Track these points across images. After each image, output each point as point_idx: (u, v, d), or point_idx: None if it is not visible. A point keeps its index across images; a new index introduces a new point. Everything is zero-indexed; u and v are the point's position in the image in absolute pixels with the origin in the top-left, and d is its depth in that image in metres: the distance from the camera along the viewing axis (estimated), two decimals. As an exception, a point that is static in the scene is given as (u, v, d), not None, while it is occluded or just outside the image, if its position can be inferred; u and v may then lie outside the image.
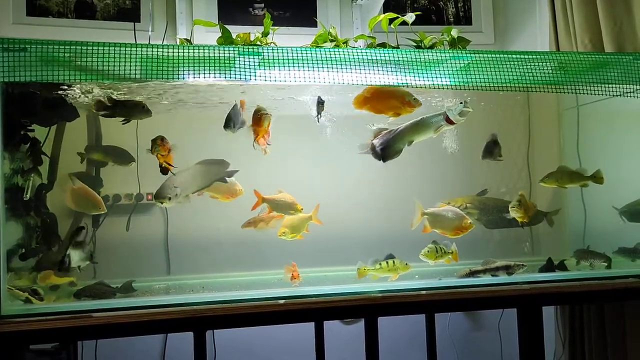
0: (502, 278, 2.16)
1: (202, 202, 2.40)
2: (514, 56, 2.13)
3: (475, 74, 2.08)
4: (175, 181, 2.06)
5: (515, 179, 2.83)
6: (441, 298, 2.04)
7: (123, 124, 2.11)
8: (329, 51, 1.98)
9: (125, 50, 1.82)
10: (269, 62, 1.97)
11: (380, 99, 2.10)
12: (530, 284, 2.12)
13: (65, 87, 2.08)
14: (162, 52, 1.89)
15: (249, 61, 1.92)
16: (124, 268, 2.35)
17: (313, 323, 2.39)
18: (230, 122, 2.08)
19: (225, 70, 1.96)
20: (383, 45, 2.13)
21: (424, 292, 2.04)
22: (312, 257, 2.37)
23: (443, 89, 2.17)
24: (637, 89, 2.22)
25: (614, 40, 2.45)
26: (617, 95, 2.19)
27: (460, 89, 2.18)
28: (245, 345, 2.90)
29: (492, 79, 2.06)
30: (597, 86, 2.13)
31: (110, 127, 2.43)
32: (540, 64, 2.20)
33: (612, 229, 2.56)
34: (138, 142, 2.27)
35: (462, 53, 2.12)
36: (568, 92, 2.13)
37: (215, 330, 2.77)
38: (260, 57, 1.94)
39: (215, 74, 1.97)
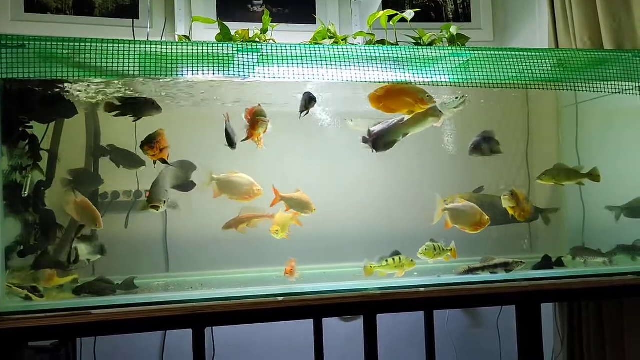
0: (501, 275, 2.16)
1: (200, 199, 2.41)
2: (513, 53, 2.13)
3: (474, 71, 2.07)
4: (164, 184, 2.06)
5: (514, 177, 2.83)
6: (440, 295, 2.04)
7: (134, 121, 2.11)
8: (328, 48, 1.98)
9: (124, 47, 1.82)
10: (267, 59, 1.96)
11: (393, 97, 2.08)
12: (529, 281, 2.12)
13: (64, 84, 2.08)
14: (161, 49, 1.88)
15: (248, 58, 1.92)
16: (122, 265, 2.35)
17: (312, 320, 2.39)
18: (232, 139, 2.09)
19: (224, 67, 1.96)
20: (382, 42, 2.13)
21: (422, 289, 2.04)
22: (311, 254, 2.37)
23: (442, 86, 2.17)
24: (636, 86, 2.22)
25: (613, 38, 2.45)
26: (616, 93, 2.19)
27: (460, 86, 2.18)
28: (244, 343, 2.90)
29: (492, 76, 2.06)
30: (596, 83, 2.13)
31: (108, 123, 2.43)
32: (540, 61, 2.19)
33: (611, 226, 2.56)
34: (137, 139, 2.26)
35: (461, 50, 2.12)
36: (567, 90, 2.13)
37: (214, 327, 2.77)
38: (259, 54, 1.94)
39: (214, 70, 1.97)
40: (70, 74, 1.84)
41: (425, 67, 2.11)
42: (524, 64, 2.12)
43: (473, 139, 2.44)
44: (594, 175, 2.42)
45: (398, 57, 2.07)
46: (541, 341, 2.12)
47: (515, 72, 2.09)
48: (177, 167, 2.24)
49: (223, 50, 1.92)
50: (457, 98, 2.15)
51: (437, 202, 2.26)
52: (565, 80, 2.18)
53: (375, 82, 2.09)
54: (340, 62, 1.98)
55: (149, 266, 2.59)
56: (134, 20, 2.82)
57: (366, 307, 1.99)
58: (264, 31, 2.06)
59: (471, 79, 2.08)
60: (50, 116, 2.20)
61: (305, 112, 2.05)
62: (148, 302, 1.89)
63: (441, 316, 3.05)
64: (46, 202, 2.23)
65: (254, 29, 2.06)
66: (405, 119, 2.15)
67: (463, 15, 3.31)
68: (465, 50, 2.11)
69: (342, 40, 2.12)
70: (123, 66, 1.81)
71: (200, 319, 1.86)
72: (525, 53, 2.16)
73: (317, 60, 1.93)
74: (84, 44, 1.80)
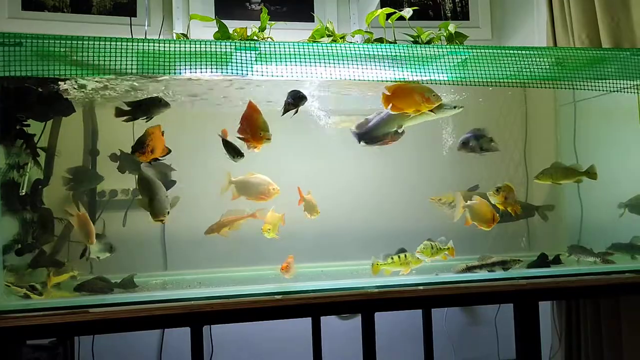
0: (499, 273, 2.17)
1: (198, 197, 2.40)
2: (511, 52, 2.13)
3: (472, 70, 2.07)
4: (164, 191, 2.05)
5: (512, 175, 2.83)
6: (438, 293, 2.05)
7: (146, 122, 2.09)
8: (326, 46, 1.98)
9: (122, 45, 1.81)
10: (265, 57, 1.96)
11: (401, 96, 2.08)
12: (527, 279, 2.13)
13: (61, 82, 2.08)
14: (159, 47, 1.87)
15: (246, 56, 1.92)
16: (121, 263, 2.35)
17: (310, 318, 2.39)
18: (236, 148, 2.08)
19: (222, 65, 1.96)
20: (380, 40, 2.13)
21: (421, 287, 2.04)
22: (309, 253, 2.37)
23: (440, 84, 2.17)
24: (634, 85, 2.22)
25: (611, 36, 2.46)
26: (614, 91, 2.19)
27: (458, 85, 2.18)
28: (242, 341, 2.90)
29: (490, 74, 2.06)
30: (594, 82, 2.13)
31: (106, 122, 2.43)
32: (538, 59, 2.19)
33: (609, 224, 2.57)
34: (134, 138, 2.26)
35: (459, 48, 2.11)
36: (565, 88, 2.13)
37: (212, 326, 2.77)
38: (257, 52, 1.94)
39: (212, 68, 1.97)
40: (68, 72, 1.83)
41: (423, 65, 2.11)
42: (522, 63, 2.12)
43: (463, 135, 2.45)
44: (591, 173, 2.42)
45: (396, 55, 2.06)
46: (539, 338, 2.12)
47: (514, 71, 2.09)
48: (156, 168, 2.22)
49: (221, 48, 1.91)
50: (455, 107, 2.16)
51: (458, 200, 2.26)
52: (564, 78, 2.18)
53: (373, 80, 2.09)
54: (338, 60, 1.98)
55: (147, 264, 2.58)
56: (132, 18, 2.82)
57: (364, 305, 1.99)
58: (262, 29, 2.05)
59: (469, 77, 2.08)
60: (48, 114, 2.19)
61: (295, 111, 2.04)
62: (146, 300, 1.89)
63: (439, 314, 3.06)
64: (44, 200, 2.23)
65: (252, 27, 2.05)
66: (390, 114, 2.16)
67: (461, 13, 3.31)
68: (463, 48, 2.11)
69: (340, 38, 2.12)
70: (120, 64, 1.80)
71: (199, 317, 1.86)
72: (524, 51, 2.16)
73: (315, 59, 1.93)
74: (81, 42, 1.79)
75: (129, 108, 2.08)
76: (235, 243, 2.38)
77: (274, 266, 2.20)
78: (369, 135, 2.30)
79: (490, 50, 2.11)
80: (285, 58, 1.92)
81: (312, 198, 2.34)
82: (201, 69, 1.97)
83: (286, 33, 2.18)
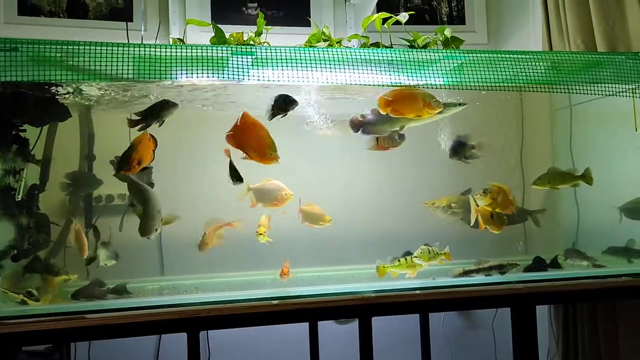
0: (496, 277, 2.17)
1: (194, 202, 2.40)
2: (507, 56, 2.13)
3: (468, 74, 2.08)
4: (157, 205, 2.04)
5: (508, 179, 2.83)
6: (435, 298, 2.05)
7: (159, 126, 2.07)
8: (323, 51, 1.98)
9: (118, 50, 1.81)
10: (262, 62, 1.96)
11: (402, 101, 2.08)
12: (524, 283, 2.13)
13: (57, 87, 2.07)
14: (155, 51, 1.88)
15: (242, 61, 1.92)
16: (117, 268, 2.34)
17: (307, 323, 2.39)
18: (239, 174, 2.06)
19: (218, 70, 1.96)
20: (376, 44, 2.13)
21: (418, 291, 2.04)
22: (305, 257, 2.37)
23: (436, 88, 2.18)
24: (629, 89, 2.23)
25: (606, 40, 2.47)
26: (609, 95, 2.20)
27: (454, 89, 2.18)
28: (239, 345, 2.89)
29: (486, 78, 2.06)
30: (590, 86, 2.14)
31: (102, 126, 2.43)
32: (534, 63, 2.20)
33: (606, 227, 2.57)
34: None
35: (455, 53, 2.12)
36: (561, 92, 2.13)
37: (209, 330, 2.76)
38: (253, 57, 1.94)
39: (208, 73, 1.96)
40: (64, 77, 1.83)
41: (419, 69, 2.12)
42: (518, 67, 2.13)
43: (451, 143, 2.45)
44: (587, 177, 2.43)
45: (392, 60, 2.07)
46: (536, 343, 2.12)
47: (510, 75, 2.10)
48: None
49: (217, 53, 1.92)
50: (459, 104, 2.17)
51: (472, 204, 2.26)
52: (559, 82, 2.19)
53: (369, 84, 2.09)
54: (334, 64, 1.98)
55: (144, 269, 2.57)
56: (128, 23, 2.82)
57: (361, 310, 1.99)
58: (258, 34, 2.05)
59: (465, 82, 2.09)
60: (44, 119, 2.19)
61: (283, 115, 2.03)
62: (143, 305, 1.88)
63: (436, 318, 3.06)
64: (40, 206, 2.23)
65: (248, 31, 2.05)
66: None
67: (457, 18, 3.32)
68: (459, 52, 2.12)
69: (337, 42, 2.12)
70: (117, 69, 1.80)
71: (195, 322, 1.85)
72: (520, 55, 2.17)
73: (311, 63, 1.94)
74: (77, 47, 1.79)
75: (139, 117, 2.06)
76: (231, 248, 2.38)
77: (271, 271, 2.19)
78: (366, 128, 2.28)
79: (487, 55, 2.11)
80: (282, 62, 1.92)
81: (316, 207, 2.34)
82: (198, 74, 1.97)
83: (283, 37, 2.18)
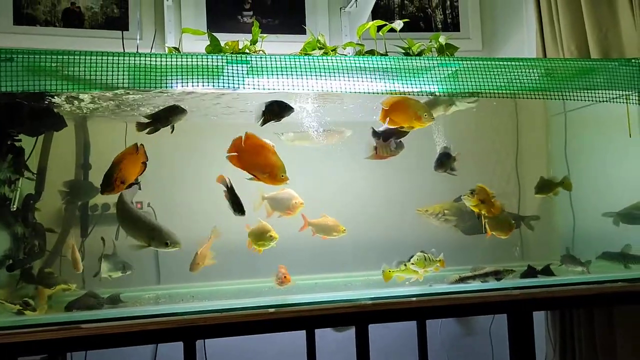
0: (492, 284, 2.17)
1: (191, 210, 2.40)
2: (501, 63, 2.14)
3: (463, 81, 2.09)
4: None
5: (504, 185, 2.84)
6: (432, 304, 2.04)
7: (171, 132, 2.08)
8: (318, 59, 1.99)
9: (114, 59, 1.81)
10: (257, 70, 1.97)
11: (396, 110, 2.09)
12: (520, 289, 2.13)
13: (53, 97, 2.07)
14: (151, 60, 1.88)
15: (238, 69, 1.92)
16: (113, 278, 2.33)
17: (304, 331, 2.38)
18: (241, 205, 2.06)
19: (213, 78, 1.96)
20: (372, 52, 2.14)
21: (414, 298, 2.04)
22: (303, 265, 2.36)
23: (432, 95, 2.18)
24: (623, 95, 2.24)
25: (600, 47, 2.48)
26: (603, 101, 2.21)
27: (449, 96, 2.19)
28: (235, 353, 2.88)
29: (481, 85, 2.07)
30: (584, 92, 2.15)
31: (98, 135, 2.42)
32: (528, 70, 2.21)
33: (602, 233, 2.58)
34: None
35: (450, 60, 2.13)
36: (555, 99, 2.14)
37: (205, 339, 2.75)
38: (248, 65, 1.94)
39: (204, 82, 1.97)
40: (60, 87, 1.83)
41: (414, 77, 2.12)
42: (512, 74, 2.14)
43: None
44: (565, 184, 2.47)
45: (387, 68, 2.08)
46: (533, 348, 2.12)
47: (504, 82, 2.10)
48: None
49: (213, 62, 1.92)
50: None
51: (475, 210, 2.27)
52: (553, 89, 2.20)
53: (364, 92, 2.09)
54: (330, 72, 1.99)
55: (140, 278, 2.57)
56: (124, 32, 2.82)
57: (358, 317, 1.98)
58: (253, 42, 2.06)
59: (460, 89, 2.10)
60: (39, 129, 2.19)
61: (276, 121, 2.03)
62: (139, 315, 1.87)
63: (434, 324, 3.05)
64: (36, 216, 2.22)
65: (243, 40, 2.06)
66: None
67: (452, 25, 3.34)
68: (454, 59, 2.13)
69: (332, 50, 2.13)
70: (112, 78, 1.80)
71: (192, 331, 1.85)
72: (514, 62, 2.18)
73: (306, 71, 1.94)
74: (73, 57, 1.79)
75: (148, 120, 2.06)
76: (227, 256, 2.38)
77: (267, 279, 2.19)
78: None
79: (481, 62, 2.12)
80: (277, 71, 1.92)
81: (329, 219, 2.36)
82: (193, 82, 1.97)
83: (278, 45, 2.19)
